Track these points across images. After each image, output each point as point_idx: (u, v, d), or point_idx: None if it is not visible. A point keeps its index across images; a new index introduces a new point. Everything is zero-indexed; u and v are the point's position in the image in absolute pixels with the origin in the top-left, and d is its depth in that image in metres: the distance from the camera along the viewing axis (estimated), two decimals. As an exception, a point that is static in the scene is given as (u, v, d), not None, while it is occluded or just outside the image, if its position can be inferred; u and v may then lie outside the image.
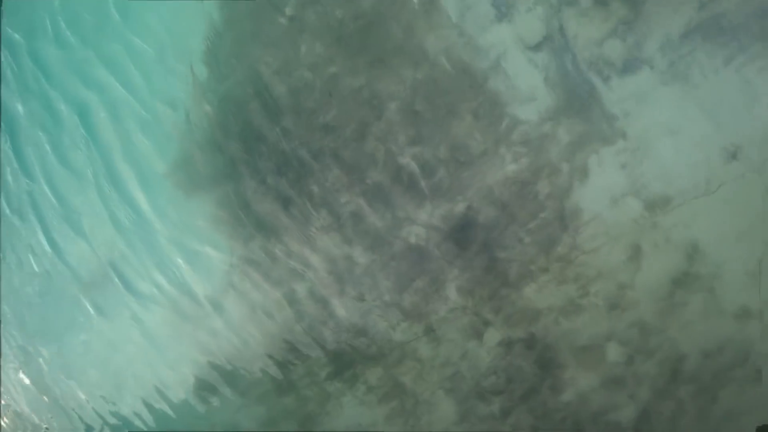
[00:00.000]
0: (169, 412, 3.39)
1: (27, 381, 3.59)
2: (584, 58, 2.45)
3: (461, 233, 2.60)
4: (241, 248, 2.96)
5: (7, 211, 3.31)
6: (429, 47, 2.48)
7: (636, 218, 2.53)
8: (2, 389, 3.73)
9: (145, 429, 3.47)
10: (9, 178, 3.28)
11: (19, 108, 3.20)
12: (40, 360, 3.56)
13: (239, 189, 2.87)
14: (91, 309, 3.40)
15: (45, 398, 3.54)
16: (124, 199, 3.17)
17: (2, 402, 3.77)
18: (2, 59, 3.11)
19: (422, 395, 2.84)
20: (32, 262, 3.41)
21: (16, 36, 3.08)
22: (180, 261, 3.14)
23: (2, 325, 3.60)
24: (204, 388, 3.28)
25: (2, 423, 3.78)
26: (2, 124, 3.23)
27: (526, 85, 2.50)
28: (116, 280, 3.28)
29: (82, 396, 3.58)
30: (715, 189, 2.47)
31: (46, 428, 3.66)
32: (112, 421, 3.56)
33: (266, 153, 2.74)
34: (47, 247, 3.35)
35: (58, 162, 3.23)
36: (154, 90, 2.98)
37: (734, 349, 2.61)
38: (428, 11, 2.47)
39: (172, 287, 3.19)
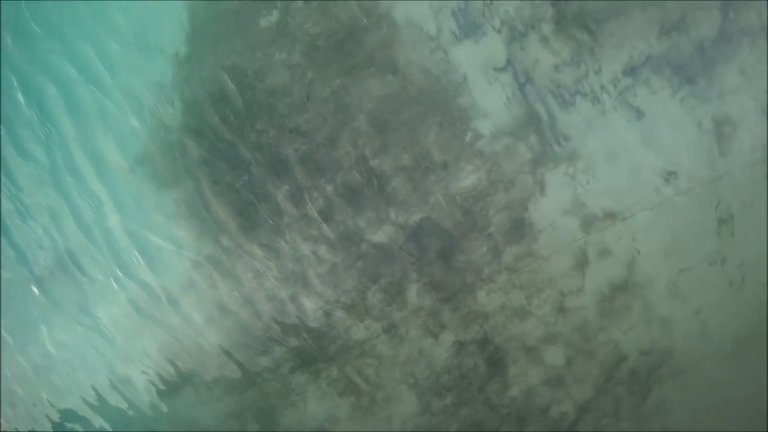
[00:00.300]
0: (127, 410, 3.38)
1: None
2: (542, 82, 2.65)
3: (423, 238, 2.75)
4: (203, 246, 2.99)
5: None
6: (401, 60, 2.61)
7: (582, 231, 2.76)
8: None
9: (101, 429, 3.44)
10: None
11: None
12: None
13: (204, 187, 2.90)
14: (45, 301, 3.32)
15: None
16: (85, 191, 3.12)
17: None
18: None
19: (382, 390, 2.98)
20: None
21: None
22: (140, 256, 3.13)
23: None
24: (163, 384, 3.29)
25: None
26: None
27: (489, 103, 2.67)
28: (74, 272, 3.22)
29: (29, 394, 3.50)
30: (649, 209, 2.74)
31: None
32: (64, 421, 3.50)
33: (234, 152, 2.79)
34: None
35: (16, 152, 3.13)
36: (118, 82, 2.94)
37: (661, 352, 2.90)
38: (402, 26, 2.59)
39: (131, 282, 3.17)
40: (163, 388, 3.29)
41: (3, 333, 3.45)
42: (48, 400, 3.42)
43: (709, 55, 2.58)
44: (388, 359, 2.93)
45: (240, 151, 2.80)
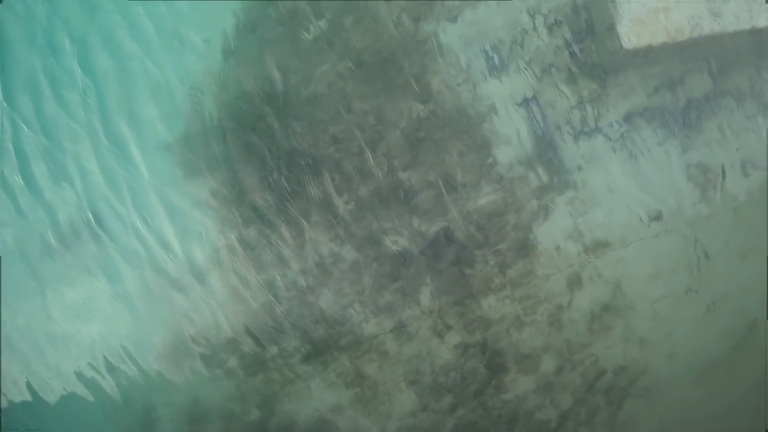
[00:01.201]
0: (134, 377, 3.44)
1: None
2: (554, 120, 3.01)
3: (438, 247, 3.04)
4: (233, 231, 3.18)
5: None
6: (435, 86, 2.93)
7: (578, 255, 3.11)
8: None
9: (103, 397, 3.50)
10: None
11: (18, 30, 3.05)
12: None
13: (240, 178, 3.11)
14: (66, 262, 3.37)
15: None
16: (120, 156, 3.20)
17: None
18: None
19: (385, 385, 3.21)
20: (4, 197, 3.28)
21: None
22: (169, 229, 3.25)
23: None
24: (172, 357, 3.39)
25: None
26: None
27: (508, 134, 3.01)
28: (98, 232, 3.26)
29: (38, 357, 3.54)
30: (637, 241, 3.11)
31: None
32: (68, 383, 3.53)
33: (273, 150, 3.02)
34: (22, 183, 3.25)
35: (54, 98, 3.14)
36: (171, 59, 3.03)
37: (636, 368, 3.25)
38: (438, 55, 2.91)
39: (157, 251, 3.25)
40: (171, 361, 3.39)
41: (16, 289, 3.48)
42: (56, 365, 3.46)
43: (696, 112, 3.01)
44: (394, 356, 3.17)
45: (276, 148, 3.04)
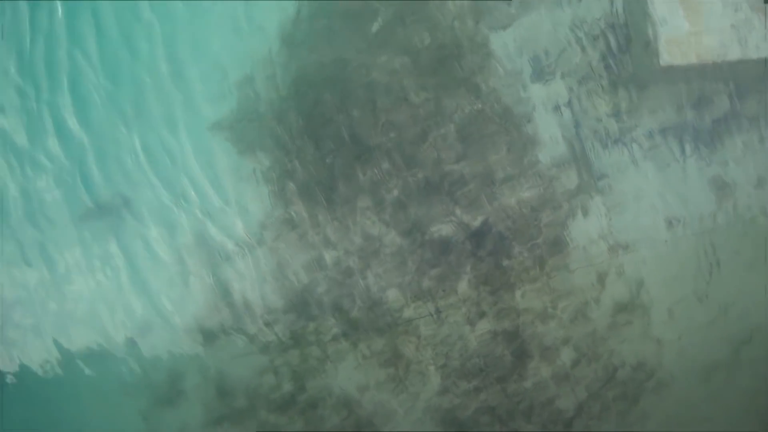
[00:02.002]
0: (165, 345, 3.45)
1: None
2: (592, 126, 3.26)
3: (479, 238, 3.22)
4: (282, 209, 3.29)
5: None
6: (487, 85, 3.14)
7: (605, 254, 3.33)
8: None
9: (137, 360, 3.48)
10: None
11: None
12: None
13: (294, 157, 3.23)
14: (104, 218, 3.34)
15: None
16: (174, 128, 3.23)
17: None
18: None
19: (416, 367, 3.34)
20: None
21: None
22: (216, 202, 3.30)
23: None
24: (201, 332, 3.43)
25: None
26: None
27: (547, 136, 3.24)
28: (138, 208, 3.29)
29: (61, 326, 3.54)
30: (658, 245, 3.36)
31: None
32: (92, 356, 3.54)
33: (329, 134, 3.16)
34: (77, 126, 3.23)
35: (122, 43, 3.12)
36: (233, 38, 3.13)
37: (652, 366, 3.47)
38: (492, 58, 3.14)
39: (202, 219, 3.28)
40: (200, 335, 3.43)
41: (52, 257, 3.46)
42: (86, 325, 3.45)
43: (717, 130, 3.30)
44: (428, 339, 3.30)
45: (331, 132, 3.19)
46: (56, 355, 3.52)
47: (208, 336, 3.45)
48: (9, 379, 3.55)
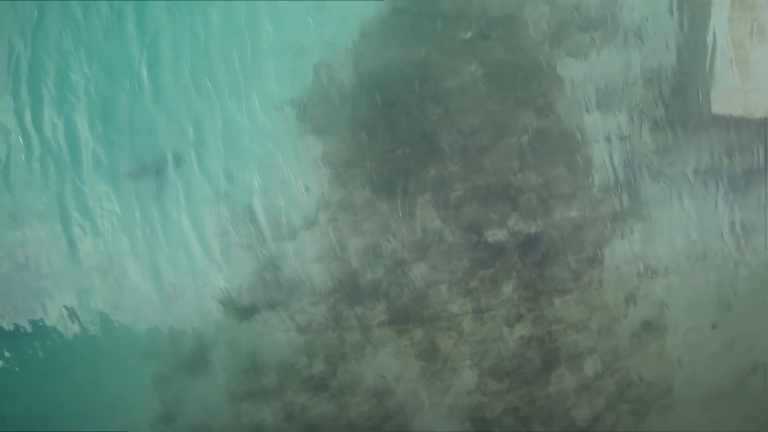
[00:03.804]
0: (201, 312, 3.48)
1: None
2: (640, 158, 3.54)
3: (528, 246, 3.43)
4: (341, 193, 3.41)
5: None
6: (554, 108, 3.39)
7: (635, 276, 3.60)
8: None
9: (165, 324, 3.49)
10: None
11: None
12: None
13: (365, 145, 3.37)
14: (157, 185, 3.38)
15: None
16: (242, 101, 3.32)
17: None
18: None
19: (452, 362, 3.49)
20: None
21: None
22: (275, 177, 3.36)
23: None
24: (251, 299, 3.47)
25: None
26: None
27: (600, 161, 3.50)
28: (195, 167, 3.35)
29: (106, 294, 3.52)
30: (682, 274, 3.65)
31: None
32: (126, 305, 3.52)
33: (404, 127, 3.33)
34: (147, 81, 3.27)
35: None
36: (310, 25, 3.24)
37: (662, 385, 3.73)
38: (562, 82, 3.39)
39: (256, 192, 3.36)
40: (237, 307, 3.48)
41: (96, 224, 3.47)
42: (120, 287, 3.46)
43: (746, 179, 3.64)
44: (468, 336, 3.47)
45: (404, 127, 3.35)
46: (77, 310, 3.51)
47: (246, 309, 3.51)
48: (24, 329, 3.51)
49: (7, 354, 3.47)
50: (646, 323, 3.64)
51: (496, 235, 3.38)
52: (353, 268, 3.43)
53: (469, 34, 3.26)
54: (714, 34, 3.40)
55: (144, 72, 3.35)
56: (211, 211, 3.47)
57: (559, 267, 3.46)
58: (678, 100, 3.48)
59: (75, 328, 3.53)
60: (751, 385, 3.75)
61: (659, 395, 3.72)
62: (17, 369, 3.47)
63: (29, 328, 3.49)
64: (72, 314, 3.52)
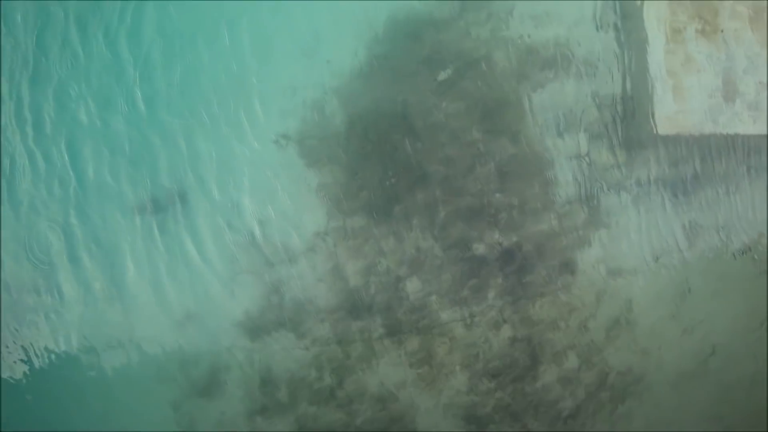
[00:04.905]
0: (218, 337, 3.76)
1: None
2: (599, 173, 4.05)
3: (508, 257, 3.87)
4: (338, 220, 3.80)
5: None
6: (521, 134, 3.87)
7: (603, 277, 4.07)
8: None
9: (178, 350, 3.74)
10: None
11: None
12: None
13: (358, 176, 3.77)
14: (160, 217, 3.62)
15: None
16: (241, 134, 3.63)
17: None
18: None
19: (446, 367, 3.88)
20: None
21: None
22: (275, 207, 3.67)
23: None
24: (252, 325, 3.78)
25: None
26: None
27: (565, 179, 3.99)
28: (198, 194, 3.62)
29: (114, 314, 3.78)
30: (645, 273, 4.14)
31: None
32: (141, 342, 3.78)
33: (394, 159, 3.75)
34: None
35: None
36: (300, 67, 3.60)
37: (635, 373, 4.20)
38: (528, 113, 3.88)
39: (258, 222, 3.66)
40: (251, 328, 3.78)
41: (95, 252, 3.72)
42: (130, 315, 3.69)
43: (692, 186, 4.18)
44: (459, 340, 3.87)
45: (393, 159, 3.77)
46: (85, 340, 3.72)
47: (256, 330, 3.83)
48: (36, 356, 3.70)
49: (21, 382, 3.66)
50: (616, 318, 4.11)
51: (479, 249, 3.81)
52: (353, 287, 3.80)
53: (445, 75, 3.73)
54: (653, 65, 3.96)
55: (142, 107, 3.65)
56: (218, 240, 3.79)
57: (534, 274, 3.91)
58: (628, 122, 4.02)
59: (88, 356, 3.75)
60: (711, 366, 4.25)
61: (633, 381, 4.18)
62: (30, 397, 3.66)
63: (41, 356, 3.69)
64: (85, 342, 3.74)
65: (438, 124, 3.76)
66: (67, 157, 3.64)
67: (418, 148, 3.76)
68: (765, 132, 4.09)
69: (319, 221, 3.78)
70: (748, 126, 4.05)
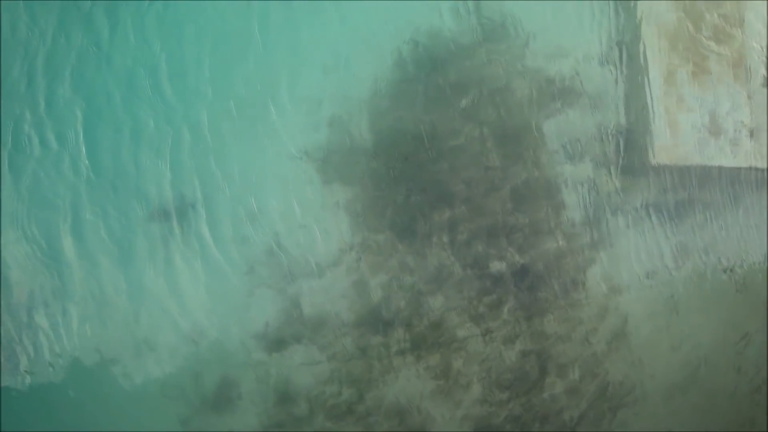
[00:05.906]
0: (233, 350, 3.73)
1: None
2: (602, 198, 4.38)
3: (522, 274, 4.09)
4: (363, 236, 3.89)
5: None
6: (535, 160, 4.14)
7: (605, 294, 4.38)
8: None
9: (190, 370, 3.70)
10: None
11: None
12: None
13: (381, 191, 3.89)
14: (177, 230, 3.60)
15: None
16: (261, 150, 3.68)
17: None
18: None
19: (462, 379, 4.02)
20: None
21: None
22: (297, 221, 3.72)
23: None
24: (271, 339, 3.78)
25: None
26: None
27: (573, 202, 4.29)
28: (218, 203, 3.63)
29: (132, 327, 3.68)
30: (639, 290, 4.49)
31: None
32: (154, 353, 3.69)
33: (418, 178, 3.90)
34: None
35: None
36: (325, 82, 3.72)
37: (630, 383, 4.51)
38: (541, 139, 4.15)
39: (279, 236, 3.69)
40: (269, 341, 3.77)
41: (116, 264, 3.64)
42: (145, 329, 3.60)
43: (682, 210, 4.60)
44: (476, 355, 4.03)
45: (417, 178, 3.93)
46: (93, 352, 3.61)
47: (275, 344, 3.83)
48: (37, 375, 3.55)
49: (22, 395, 3.48)
50: (615, 332, 4.42)
51: (496, 266, 4.01)
52: (373, 302, 3.89)
53: (468, 101, 3.94)
54: (651, 102, 4.36)
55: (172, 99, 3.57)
56: (236, 253, 3.78)
57: (545, 291, 4.16)
58: (629, 152, 4.38)
59: (94, 369, 3.61)
60: (699, 377, 4.63)
61: (628, 392, 4.49)
62: (31, 412, 3.49)
63: (44, 367, 3.53)
64: (96, 356, 3.61)
65: (461, 146, 3.96)
66: (85, 161, 3.54)
67: (442, 168, 3.93)
68: (743, 165, 4.59)
69: (344, 236, 3.86)
70: (729, 159, 4.54)
